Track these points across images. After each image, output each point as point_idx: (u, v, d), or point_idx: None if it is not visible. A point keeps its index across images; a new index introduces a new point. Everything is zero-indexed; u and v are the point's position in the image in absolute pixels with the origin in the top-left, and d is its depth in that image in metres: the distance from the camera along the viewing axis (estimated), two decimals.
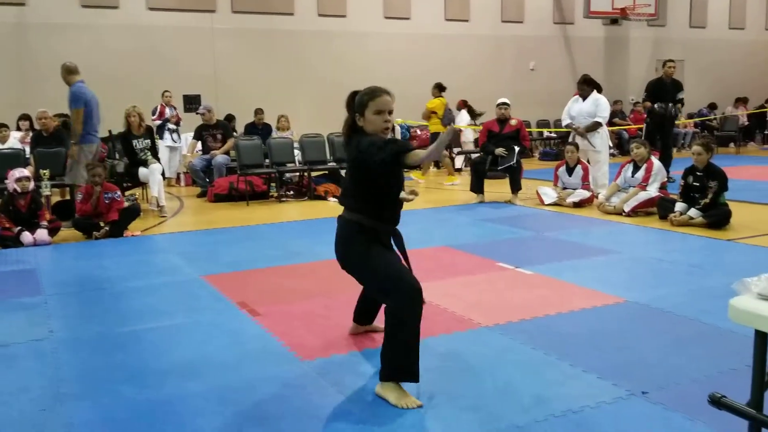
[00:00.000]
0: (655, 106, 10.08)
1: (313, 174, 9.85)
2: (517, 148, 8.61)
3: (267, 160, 9.76)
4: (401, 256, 3.23)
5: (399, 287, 2.99)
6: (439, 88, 11.49)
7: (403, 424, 2.70)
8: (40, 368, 3.40)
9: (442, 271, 5.15)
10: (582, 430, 2.60)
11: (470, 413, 2.76)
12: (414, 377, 2.93)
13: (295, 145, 10.21)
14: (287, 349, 3.57)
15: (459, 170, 12.57)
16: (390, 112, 3.06)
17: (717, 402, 1.75)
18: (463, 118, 12.63)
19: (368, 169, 2.99)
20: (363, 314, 3.72)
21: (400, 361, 2.93)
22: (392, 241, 3.27)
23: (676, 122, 10.47)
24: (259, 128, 11.44)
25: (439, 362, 3.34)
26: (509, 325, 3.84)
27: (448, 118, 11.23)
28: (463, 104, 12.86)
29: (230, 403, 2.94)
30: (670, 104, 10.05)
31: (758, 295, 1.63)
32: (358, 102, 3.09)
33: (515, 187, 8.58)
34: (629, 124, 15.22)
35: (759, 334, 1.62)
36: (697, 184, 6.83)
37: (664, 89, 10.13)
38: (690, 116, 16.89)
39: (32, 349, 3.68)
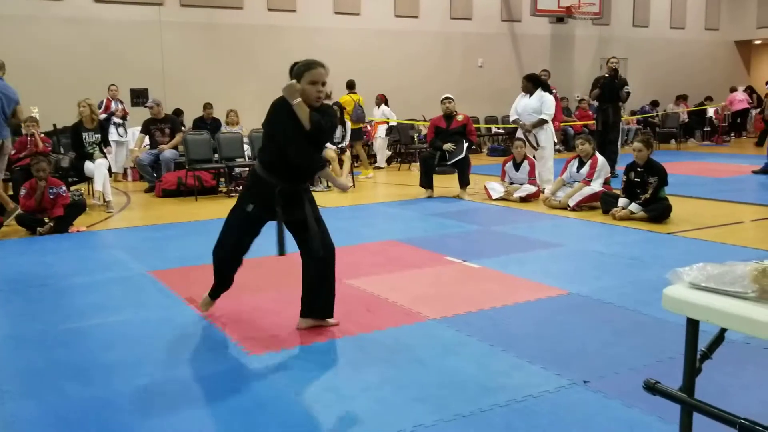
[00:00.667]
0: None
1: None
2: (465, 143, 8.73)
3: (216, 155, 9.66)
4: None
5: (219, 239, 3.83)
6: (348, 86, 12.08)
7: (351, 414, 2.74)
8: None
9: (390, 265, 5.21)
10: (525, 418, 2.69)
11: (417, 403, 2.82)
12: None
13: (245, 139, 10.13)
14: (236, 343, 3.57)
15: (383, 165, 12.73)
16: (323, 84, 3.47)
17: (651, 388, 1.84)
18: (383, 113, 12.82)
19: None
20: (304, 306, 3.77)
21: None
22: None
23: (621, 117, 10.86)
24: (207, 123, 11.30)
25: (387, 354, 3.39)
26: (456, 318, 3.92)
27: (356, 115, 11.48)
28: (383, 98, 13.01)
29: (178, 398, 2.93)
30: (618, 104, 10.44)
31: (690, 284, 1.72)
32: (295, 72, 3.47)
33: (464, 182, 8.71)
34: (575, 121, 15.57)
35: (690, 322, 1.72)
36: (638, 180, 7.05)
37: (610, 85, 10.46)
38: (633, 113, 17.37)
39: None
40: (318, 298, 3.70)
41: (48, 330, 3.86)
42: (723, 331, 1.71)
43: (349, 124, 10.30)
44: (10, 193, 8.09)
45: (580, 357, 3.31)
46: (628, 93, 10.62)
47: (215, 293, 4.04)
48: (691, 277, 1.70)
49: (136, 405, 2.87)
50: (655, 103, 17.91)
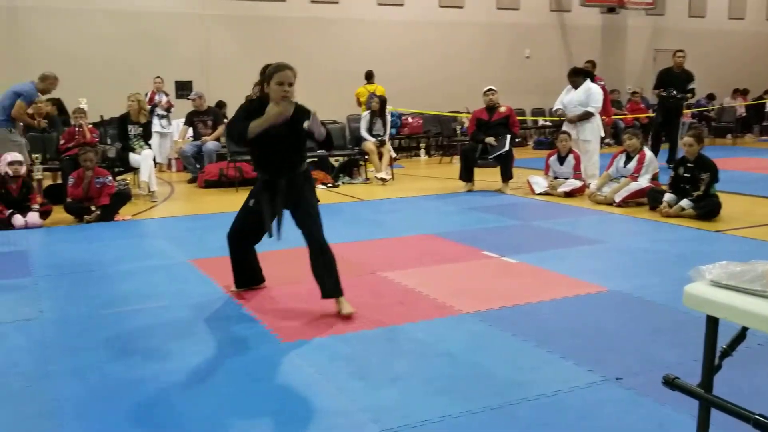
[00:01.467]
0: (663, 92, 10.21)
1: None
2: (508, 136, 8.62)
3: None
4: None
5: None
6: (366, 77, 12.14)
7: (379, 403, 2.75)
8: (29, 346, 3.47)
9: (426, 259, 5.20)
10: (553, 412, 2.66)
11: (444, 395, 2.82)
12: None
13: None
14: (270, 331, 3.63)
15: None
16: (290, 84, 3.73)
17: (670, 383, 1.81)
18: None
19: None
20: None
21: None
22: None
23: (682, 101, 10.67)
24: None
25: (417, 347, 3.40)
26: (490, 312, 3.89)
27: (368, 105, 11.53)
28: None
29: (211, 381, 3.01)
30: (679, 94, 10.21)
31: (711, 282, 1.68)
32: (267, 73, 3.78)
33: (506, 176, 8.61)
34: (625, 114, 15.24)
35: (710, 319, 1.68)
36: (688, 176, 6.86)
37: (674, 79, 10.23)
38: (688, 107, 16.91)
39: (21, 329, 3.73)
40: (319, 282, 3.94)
41: (92, 313, 3.99)
42: (745, 329, 1.67)
43: (389, 118, 10.29)
44: (59, 181, 8.37)
45: (614, 354, 3.25)
46: (693, 90, 10.42)
47: (238, 282, 4.33)
48: (713, 275, 1.66)
49: (173, 386, 2.95)
50: (711, 97, 17.39)
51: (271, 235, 4.01)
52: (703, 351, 1.73)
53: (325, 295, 3.91)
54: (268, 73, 3.78)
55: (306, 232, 3.91)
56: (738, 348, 1.73)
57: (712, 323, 1.67)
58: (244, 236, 4.20)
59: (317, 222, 3.95)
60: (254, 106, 3.82)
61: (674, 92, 10.24)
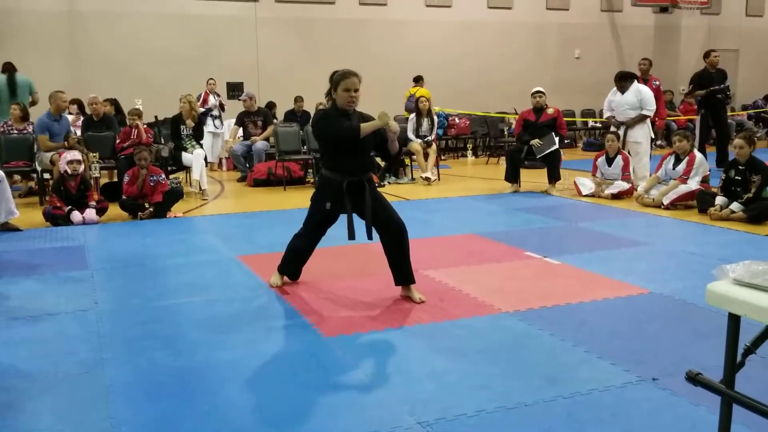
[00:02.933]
0: (702, 92, 10.12)
1: None
2: (556, 137, 8.57)
3: (305, 147, 9.96)
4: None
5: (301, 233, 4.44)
6: (414, 80, 12.48)
7: (417, 396, 2.83)
8: (85, 335, 3.66)
9: (469, 258, 5.24)
10: (587, 410, 2.69)
11: (481, 390, 2.88)
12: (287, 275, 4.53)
13: None
14: (312, 325, 3.74)
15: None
16: (356, 90, 4.00)
17: (693, 379, 1.83)
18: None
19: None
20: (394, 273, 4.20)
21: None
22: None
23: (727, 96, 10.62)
24: (298, 115, 11.65)
25: (454, 343, 3.46)
26: (530, 312, 3.92)
27: (407, 107, 11.95)
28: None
29: (254, 372, 3.13)
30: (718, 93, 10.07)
31: (734, 281, 1.70)
32: (334, 81, 4.03)
33: (553, 177, 8.56)
34: (678, 116, 14.92)
35: (732, 317, 1.70)
36: (739, 178, 6.72)
37: (710, 80, 10.09)
38: (744, 108, 16.45)
39: (78, 318, 3.94)
40: (397, 268, 4.14)
41: (144, 305, 4.18)
42: None
43: (435, 119, 10.34)
44: (115, 179, 8.69)
45: (652, 355, 3.25)
46: (727, 86, 10.28)
47: (285, 269, 4.53)
48: (736, 274, 1.68)
49: (218, 376, 3.09)
50: None
51: (352, 237, 4.14)
52: (725, 346, 1.75)
53: (400, 281, 4.16)
54: (334, 80, 4.03)
55: (387, 217, 4.10)
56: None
57: (734, 321, 1.69)
58: (314, 238, 4.39)
59: (393, 209, 4.19)
60: (333, 112, 4.10)
61: (716, 87, 10.17)
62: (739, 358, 1.77)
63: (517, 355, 3.29)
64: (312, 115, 11.61)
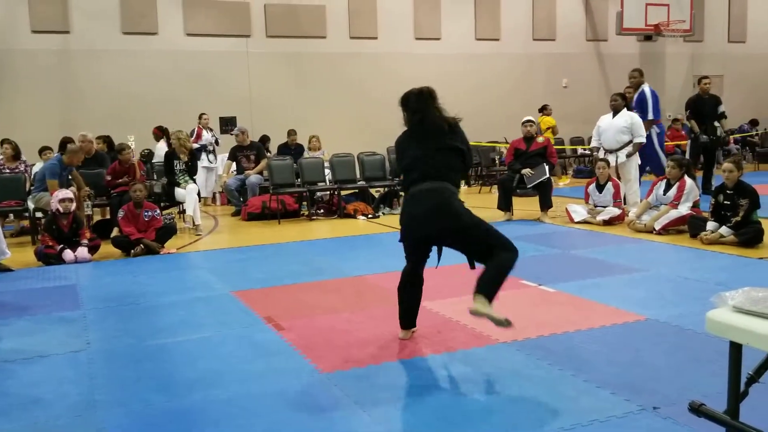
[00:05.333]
0: (702, 137, 10.47)
1: (343, 193, 10.02)
2: (546, 166, 8.63)
3: (298, 180, 9.98)
4: None
5: (508, 241, 3.87)
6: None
7: (416, 430, 2.79)
8: (77, 377, 3.60)
9: (465, 288, 5.16)
10: None
11: (480, 423, 2.85)
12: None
13: (326, 164, 10.41)
14: (308, 361, 3.70)
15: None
16: None
17: (696, 410, 1.81)
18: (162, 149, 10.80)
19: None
20: (409, 317, 3.94)
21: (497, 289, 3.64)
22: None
23: (726, 138, 10.88)
24: (291, 149, 11.69)
25: (456, 375, 3.42)
26: (527, 342, 3.90)
27: None
28: (160, 132, 11.32)
29: (250, 412, 3.08)
30: (717, 125, 10.42)
31: (734, 308, 1.69)
32: (402, 104, 3.95)
33: (545, 205, 8.60)
34: (666, 141, 15.04)
35: (733, 345, 1.69)
36: (728, 203, 6.77)
37: (704, 105, 10.31)
38: (730, 132, 16.62)
39: (70, 360, 3.89)
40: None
41: (137, 345, 4.13)
42: None
43: None
44: (107, 216, 8.66)
45: (652, 383, 3.23)
46: (723, 113, 10.53)
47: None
48: (735, 301, 1.68)
49: (214, 417, 3.04)
50: (754, 122, 17.08)
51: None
52: (728, 376, 1.73)
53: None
54: (402, 103, 4.00)
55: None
56: None
57: (736, 349, 1.68)
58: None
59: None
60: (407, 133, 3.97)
61: (713, 136, 10.48)
62: (742, 387, 1.75)
63: (517, 386, 3.26)
64: (304, 148, 11.72)
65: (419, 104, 3.87)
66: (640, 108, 9.14)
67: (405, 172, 3.86)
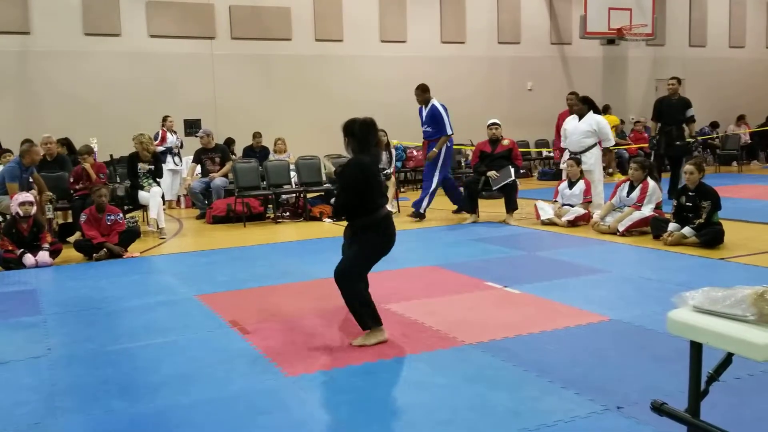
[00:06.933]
0: (653, 141, 10.33)
1: (309, 195, 9.97)
2: (511, 168, 8.70)
3: (264, 183, 9.90)
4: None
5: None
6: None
7: None
8: (37, 384, 3.52)
9: (429, 290, 5.24)
10: None
11: (445, 426, 2.85)
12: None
13: (291, 167, 10.35)
14: (274, 365, 3.67)
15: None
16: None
17: (658, 409, 1.84)
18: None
19: None
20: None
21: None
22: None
23: (689, 140, 10.66)
24: (257, 151, 11.59)
25: (418, 378, 3.43)
26: (492, 343, 3.92)
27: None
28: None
29: (215, 417, 3.04)
30: (682, 125, 10.25)
31: (694, 308, 1.72)
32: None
33: (510, 207, 8.67)
34: (629, 144, 15.32)
35: (694, 345, 1.72)
36: (690, 204, 6.89)
37: (670, 107, 10.29)
38: (699, 134, 16.96)
39: (30, 366, 3.80)
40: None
41: (99, 350, 4.05)
42: (730, 354, 1.71)
43: (393, 152, 10.41)
44: (69, 220, 8.49)
45: (615, 383, 3.27)
46: (692, 117, 10.45)
47: (375, 321, 4.02)
48: (695, 301, 1.71)
49: (177, 421, 2.99)
50: (714, 125, 17.46)
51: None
52: (689, 375, 1.76)
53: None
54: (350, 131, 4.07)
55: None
56: (741, 376, 1.77)
57: (696, 349, 1.71)
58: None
59: (346, 257, 4.21)
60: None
61: (678, 141, 10.29)
62: (703, 386, 1.78)
63: (481, 387, 3.28)
64: (270, 151, 11.64)
65: (374, 136, 4.13)
66: (434, 123, 9.22)
67: (380, 197, 4.15)
